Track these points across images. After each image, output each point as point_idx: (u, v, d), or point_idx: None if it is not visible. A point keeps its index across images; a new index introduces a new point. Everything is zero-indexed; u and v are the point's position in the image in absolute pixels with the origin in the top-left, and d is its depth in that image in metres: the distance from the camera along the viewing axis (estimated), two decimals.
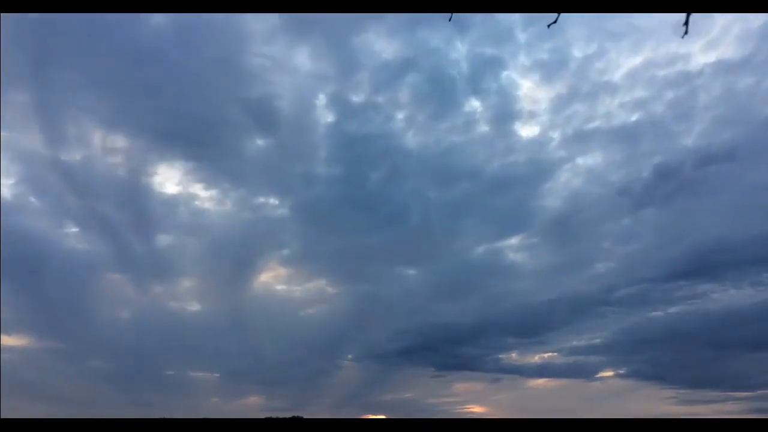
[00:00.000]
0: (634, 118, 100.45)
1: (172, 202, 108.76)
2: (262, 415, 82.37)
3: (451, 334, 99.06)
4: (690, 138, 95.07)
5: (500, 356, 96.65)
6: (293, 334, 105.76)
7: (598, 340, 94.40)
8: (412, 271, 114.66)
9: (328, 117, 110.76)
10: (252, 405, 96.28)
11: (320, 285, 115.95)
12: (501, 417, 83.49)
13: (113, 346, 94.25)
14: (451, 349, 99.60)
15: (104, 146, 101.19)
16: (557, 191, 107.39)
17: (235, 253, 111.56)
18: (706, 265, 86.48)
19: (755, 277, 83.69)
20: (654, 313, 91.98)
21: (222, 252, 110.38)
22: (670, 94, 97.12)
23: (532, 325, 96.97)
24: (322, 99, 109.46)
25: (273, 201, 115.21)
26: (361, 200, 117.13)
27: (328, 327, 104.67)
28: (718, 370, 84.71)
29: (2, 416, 58.77)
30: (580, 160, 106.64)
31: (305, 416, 75.90)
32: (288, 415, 75.62)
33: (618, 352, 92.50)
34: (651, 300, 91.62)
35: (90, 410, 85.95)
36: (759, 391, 79.16)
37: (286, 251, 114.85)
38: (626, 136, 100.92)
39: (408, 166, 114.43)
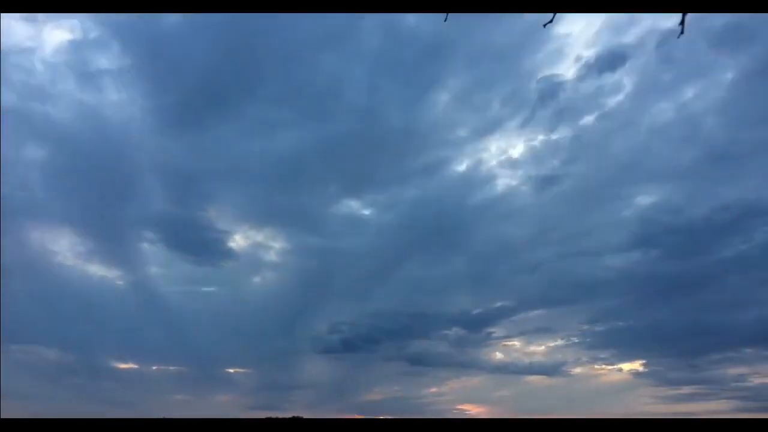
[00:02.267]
0: None
1: None
2: (244, 415, 78.82)
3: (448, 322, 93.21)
4: None
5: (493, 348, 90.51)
6: (239, 314, 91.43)
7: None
8: (366, 211, 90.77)
9: None
10: (224, 403, 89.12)
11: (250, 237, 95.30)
12: (496, 417, 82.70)
13: (30, 329, 77.25)
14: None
15: None
16: None
17: (116, 180, 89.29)
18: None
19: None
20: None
21: (95, 175, 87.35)
22: None
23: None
24: None
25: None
26: (264, 60, 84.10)
27: (278, 306, 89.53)
28: (702, 367, 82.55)
29: (2, 416, 58.40)
30: None
31: (305, 416, 75.32)
32: (287, 415, 75.06)
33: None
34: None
35: (43, 411, 74.62)
36: (741, 392, 77.30)
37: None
38: None
39: None
